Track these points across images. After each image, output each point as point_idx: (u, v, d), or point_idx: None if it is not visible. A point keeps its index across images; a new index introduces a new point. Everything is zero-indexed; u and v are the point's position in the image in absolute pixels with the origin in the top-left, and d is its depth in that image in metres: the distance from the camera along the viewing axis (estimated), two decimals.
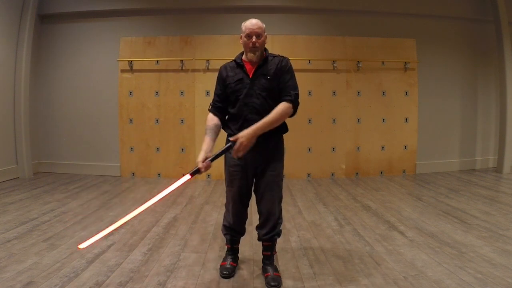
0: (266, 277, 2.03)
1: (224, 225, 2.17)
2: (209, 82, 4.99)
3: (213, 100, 2.08)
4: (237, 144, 1.80)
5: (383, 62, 5.11)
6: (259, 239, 2.13)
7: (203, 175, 4.92)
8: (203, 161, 1.83)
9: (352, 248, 2.50)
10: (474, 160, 5.60)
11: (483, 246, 2.50)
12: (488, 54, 5.50)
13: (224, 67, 2.07)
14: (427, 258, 2.32)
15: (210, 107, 2.07)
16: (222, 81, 2.04)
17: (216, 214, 3.31)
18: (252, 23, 1.93)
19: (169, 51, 5.00)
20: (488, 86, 5.59)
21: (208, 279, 2.06)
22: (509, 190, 4.19)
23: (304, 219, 3.20)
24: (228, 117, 2.07)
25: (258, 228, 2.10)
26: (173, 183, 1.80)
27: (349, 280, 2.04)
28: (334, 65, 5.03)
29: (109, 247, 2.49)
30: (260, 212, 2.07)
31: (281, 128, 2.01)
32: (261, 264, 2.16)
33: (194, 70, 5.00)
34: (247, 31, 1.93)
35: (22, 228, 2.84)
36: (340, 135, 5.13)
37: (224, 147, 1.88)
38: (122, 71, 5.05)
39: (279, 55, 2.04)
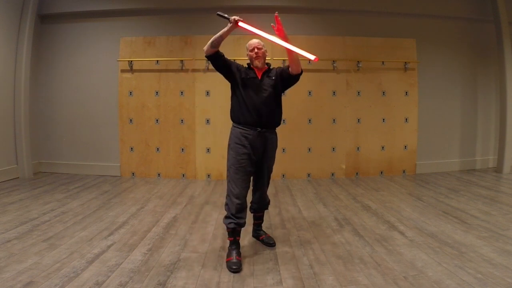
0: (262, 239, 2.61)
1: (226, 217, 2.31)
2: (209, 82, 5.01)
3: None
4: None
5: (383, 62, 5.11)
6: (254, 211, 2.61)
7: (203, 175, 4.98)
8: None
9: (352, 248, 2.50)
10: (474, 160, 5.60)
11: (483, 246, 2.50)
12: (488, 54, 5.50)
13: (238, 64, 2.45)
14: (427, 258, 2.32)
15: None
16: (235, 64, 2.40)
17: (216, 214, 3.31)
18: (253, 41, 2.43)
19: (169, 51, 5.00)
20: (488, 86, 5.59)
21: (208, 279, 2.06)
22: (509, 190, 4.19)
23: (304, 219, 3.20)
24: (238, 107, 2.37)
25: (253, 202, 2.57)
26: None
27: (349, 280, 2.04)
28: (334, 65, 5.03)
29: (109, 247, 2.49)
30: (256, 189, 2.52)
31: (277, 123, 2.46)
32: (261, 264, 2.22)
33: (194, 70, 5.00)
34: (250, 47, 2.40)
35: (22, 228, 2.84)
36: (340, 135, 5.13)
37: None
38: (122, 71, 5.05)
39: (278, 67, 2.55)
